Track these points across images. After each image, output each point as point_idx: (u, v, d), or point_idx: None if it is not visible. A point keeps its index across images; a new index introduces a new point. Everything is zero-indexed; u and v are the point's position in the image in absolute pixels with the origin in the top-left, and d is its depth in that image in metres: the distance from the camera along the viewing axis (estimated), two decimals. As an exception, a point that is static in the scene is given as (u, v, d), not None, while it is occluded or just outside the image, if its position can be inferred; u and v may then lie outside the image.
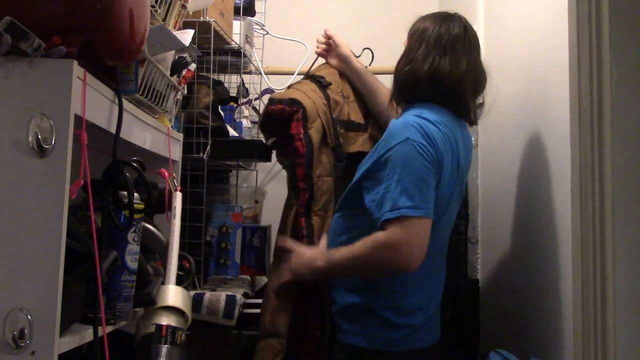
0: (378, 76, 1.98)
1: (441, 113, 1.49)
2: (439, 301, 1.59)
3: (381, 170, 1.42)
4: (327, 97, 1.78)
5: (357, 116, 1.85)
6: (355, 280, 1.54)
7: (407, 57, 1.55)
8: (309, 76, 1.88)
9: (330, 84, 1.82)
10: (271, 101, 1.74)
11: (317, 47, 1.95)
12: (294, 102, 1.69)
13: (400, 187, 1.36)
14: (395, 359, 1.50)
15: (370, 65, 2.01)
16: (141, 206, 1.17)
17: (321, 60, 1.99)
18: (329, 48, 1.91)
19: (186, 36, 1.43)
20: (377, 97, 1.85)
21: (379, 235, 1.38)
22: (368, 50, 1.99)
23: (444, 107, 1.50)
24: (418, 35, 1.55)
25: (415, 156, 1.38)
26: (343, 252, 1.48)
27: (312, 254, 1.56)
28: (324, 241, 1.60)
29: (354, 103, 1.87)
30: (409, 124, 1.43)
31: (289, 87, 1.91)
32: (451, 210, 1.54)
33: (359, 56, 1.98)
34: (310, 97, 1.73)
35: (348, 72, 1.88)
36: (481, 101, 1.62)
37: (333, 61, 1.90)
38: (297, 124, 1.67)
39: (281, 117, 1.69)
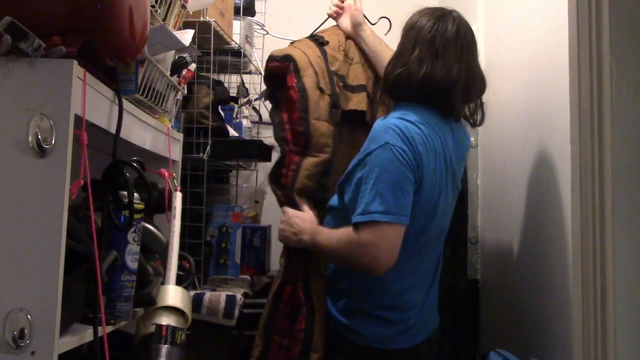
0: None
1: (426, 113, 1.49)
2: (435, 297, 1.61)
3: (358, 172, 1.44)
4: (324, 53, 1.81)
5: (357, 79, 1.86)
6: (350, 284, 1.56)
7: (400, 59, 1.54)
8: (310, 36, 1.90)
9: (327, 42, 1.85)
10: (270, 58, 1.79)
11: (330, 9, 1.95)
12: (286, 57, 1.74)
13: (374, 191, 1.38)
14: (392, 357, 1.51)
15: (386, 34, 1.99)
16: (141, 206, 1.17)
17: (329, 23, 1.98)
18: (341, 12, 1.92)
19: (186, 36, 1.43)
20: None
21: (353, 235, 1.41)
22: (385, 19, 1.99)
23: (431, 107, 1.50)
24: (412, 34, 1.55)
25: (393, 161, 1.39)
26: (326, 236, 1.51)
27: (301, 225, 1.57)
28: (309, 213, 1.59)
29: (358, 65, 1.88)
30: (389, 127, 1.43)
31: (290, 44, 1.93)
32: (443, 210, 1.53)
33: (375, 24, 1.98)
34: (305, 51, 1.77)
35: (357, 38, 1.89)
36: (482, 101, 1.62)
37: (344, 25, 1.91)
38: (290, 76, 1.71)
39: (280, 72, 1.74)
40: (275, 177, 1.68)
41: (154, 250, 1.38)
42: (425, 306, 1.56)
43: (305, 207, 1.61)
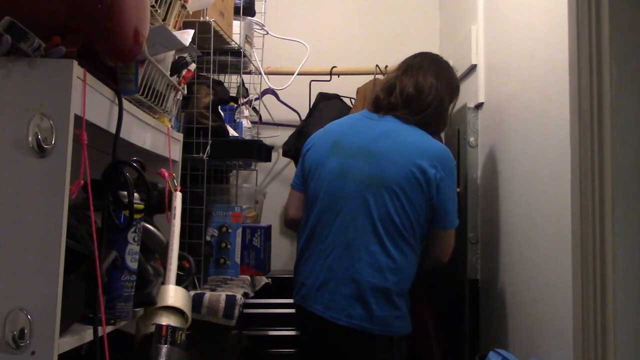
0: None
1: (354, 115, 1.95)
2: (326, 279, 1.72)
3: None
4: None
5: None
6: None
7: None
8: None
9: None
10: None
11: None
12: None
13: None
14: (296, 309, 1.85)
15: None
16: (141, 206, 1.17)
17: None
18: None
19: (186, 36, 1.43)
20: None
21: None
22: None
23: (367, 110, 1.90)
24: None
25: None
26: None
27: None
28: None
29: None
30: None
31: None
32: (337, 189, 1.75)
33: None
34: None
35: None
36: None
37: None
38: None
39: None
40: None
41: (154, 250, 1.38)
42: (314, 285, 1.73)
43: None
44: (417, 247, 1.73)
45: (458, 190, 2.28)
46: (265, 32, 2.68)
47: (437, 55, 1.93)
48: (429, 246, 1.78)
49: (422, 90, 1.78)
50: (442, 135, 2.68)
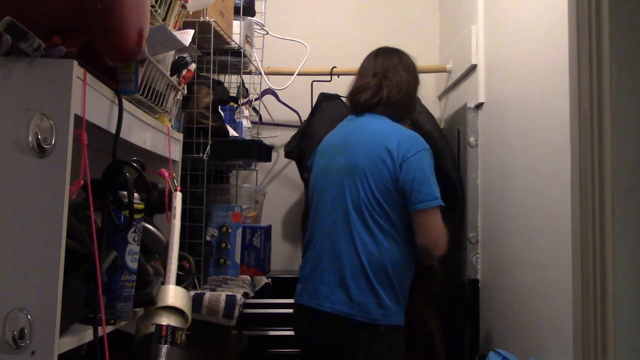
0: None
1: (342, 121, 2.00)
2: (312, 269, 1.82)
3: None
4: None
5: None
6: None
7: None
8: None
9: None
10: None
11: None
12: None
13: None
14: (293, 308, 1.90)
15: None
16: (141, 206, 1.17)
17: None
18: None
19: (186, 36, 1.43)
20: None
21: None
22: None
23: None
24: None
25: None
26: None
27: None
28: None
29: None
30: None
31: None
32: (323, 184, 1.86)
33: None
34: None
35: None
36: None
37: None
38: None
39: None
40: None
41: (154, 250, 1.38)
42: (310, 279, 1.80)
43: None
44: (398, 236, 1.74)
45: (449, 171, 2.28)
46: (265, 32, 2.68)
47: (395, 49, 2.01)
48: (414, 234, 1.76)
49: (401, 89, 1.90)
50: (434, 125, 2.69)
